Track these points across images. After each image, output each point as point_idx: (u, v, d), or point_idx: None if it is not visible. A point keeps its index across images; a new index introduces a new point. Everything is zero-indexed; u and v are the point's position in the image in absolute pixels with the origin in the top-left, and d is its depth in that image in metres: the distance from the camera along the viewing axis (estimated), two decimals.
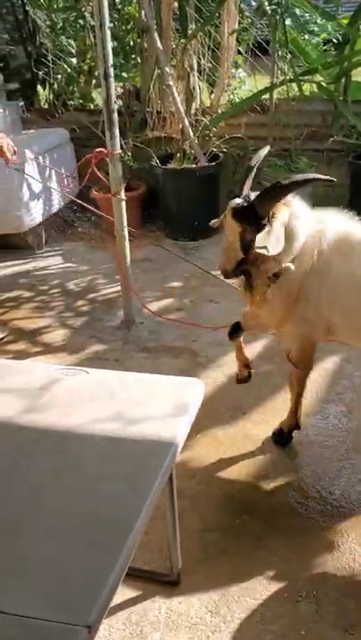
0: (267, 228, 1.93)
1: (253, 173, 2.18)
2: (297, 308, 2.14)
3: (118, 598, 1.84)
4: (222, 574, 1.92)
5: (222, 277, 2.18)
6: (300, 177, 2.01)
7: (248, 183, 2.13)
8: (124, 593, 1.86)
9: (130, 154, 4.63)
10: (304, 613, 1.78)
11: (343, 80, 4.45)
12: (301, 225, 2.03)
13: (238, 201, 2.01)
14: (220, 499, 2.22)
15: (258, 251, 1.90)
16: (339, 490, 2.22)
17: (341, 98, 4.46)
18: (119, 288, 3.46)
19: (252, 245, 1.94)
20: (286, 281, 2.10)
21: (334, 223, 2.09)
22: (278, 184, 1.93)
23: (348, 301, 2.07)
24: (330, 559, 1.96)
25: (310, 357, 2.30)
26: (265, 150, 2.32)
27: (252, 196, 2.00)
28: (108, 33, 2.84)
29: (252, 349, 3.13)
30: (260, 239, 1.91)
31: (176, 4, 4.63)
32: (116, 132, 3.00)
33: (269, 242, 1.90)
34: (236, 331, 2.44)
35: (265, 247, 1.89)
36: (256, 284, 2.11)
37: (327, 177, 2.06)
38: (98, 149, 3.04)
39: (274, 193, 1.95)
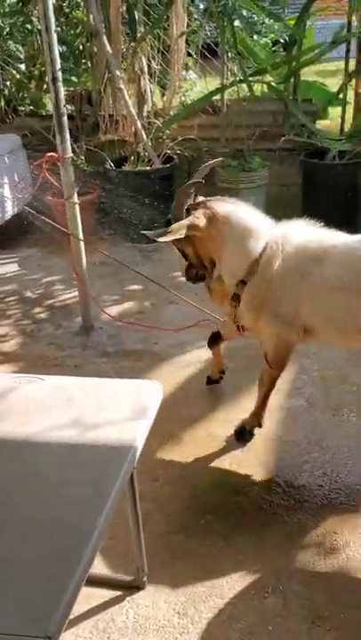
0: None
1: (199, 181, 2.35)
2: (267, 310, 2.20)
3: (84, 606, 1.81)
4: (189, 575, 1.91)
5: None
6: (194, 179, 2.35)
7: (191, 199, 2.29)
8: (89, 601, 1.83)
9: (83, 158, 4.60)
10: (271, 609, 1.79)
11: (292, 80, 4.52)
12: (244, 226, 2.17)
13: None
14: (184, 500, 2.21)
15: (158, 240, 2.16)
16: (302, 484, 2.24)
17: (291, 97, 4.53)
18: (77, 293, 3.42)
19: (187, 252, 2.24)
20: (254, 287, 2.18)
21: (297, 231, 2.18)
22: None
23: (328, 305, 2.14)
24: (295, 553, 1.97)
25: (285, 358, 2.34)
26: (215, 161, 2.42)
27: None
28: (55, 36, 2.81)
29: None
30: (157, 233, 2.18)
31: (124, 8, 4.63)
32: (67, 135, 2.98)
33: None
34: (214, 340, 2.61)
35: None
36: (210, 286, 2.32)
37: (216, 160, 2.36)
38: (49, 154, 3.00)
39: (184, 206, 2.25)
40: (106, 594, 1.87)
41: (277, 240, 2.15)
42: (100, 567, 1.94)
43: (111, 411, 1.64)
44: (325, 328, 2.21)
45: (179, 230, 2.14)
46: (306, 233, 2.19)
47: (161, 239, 2.15)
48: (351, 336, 2.22)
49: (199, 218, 2.18)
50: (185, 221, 2.18)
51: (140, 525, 1.80)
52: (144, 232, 2.30)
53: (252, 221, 2.21)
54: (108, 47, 4.45)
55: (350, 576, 1.88)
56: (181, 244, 2.25)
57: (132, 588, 1.88)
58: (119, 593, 1.87)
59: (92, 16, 4.51)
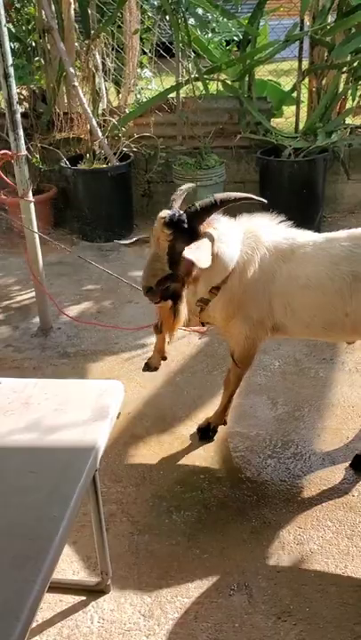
0: (197, 242, 1.95)
1: (180, 200, 2.16)
2: (242, 311, 2.19)
3: (47, 613, 1.78)
4: (154, 576, 1.89)
5: (144, 295, 2.05)
6: (236, 194, 2.03)
7: (177, 204, 2.12)
8: (53, 607, 1.80)
9: (38, 156, 4.52)
10: (237, 606, 1.79)
11: (247, 78, 4.53)
12: (230, 248, 2.09)
13: (169, 212, 1.99)
14: (149, 500, 2.19)
15: (187, 256, 1.89)
16: (266, 480, 2.25)
17: (246, 95, 4.54)
18: (34, 294, 3.36)
19: (182, 258, 1.93)
20: (225, 292, 2.15)
21: (267, 233, 2.16)
22: (214, 199, 1.98)
23: (296, 302, 2.14)
24: (260, 549, 1.97)
25: (252, 357, 2.34)
26: (189, 185, 2.31)
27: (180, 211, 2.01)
28: (5, 31, 2.74)
29: (171, 347, 3.12)
30: (189, 250, 1.91)
31: (77, 5, 4.56)
32: (21, 132, 2.91)
33: (200, 254, 1.91)
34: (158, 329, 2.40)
35: (198, 257, 1.90)
36: (180, 310, 2.06)
37: (260, 198, 2.12)
38: (2, 152, 2.93)
39: (209, 207, 1.98)
40: (70, 599, 1.83)
41: (251, 245, 2.13)
42: (63, 572, 1.90)
43: (72, 412, 1.60)
44: (295, 325, 2.22)
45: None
46: (275, 233, 2.18)
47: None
48: (320, 332, 2.25)
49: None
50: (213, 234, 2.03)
51: (103, 528, 1.77)
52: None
53: (232, 235, 2.12)
54: (62, 44, 4.39)
55: (314, 570, 1.90)
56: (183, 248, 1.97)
57: (96, 592, 1.85)
58: (83, 598, 1.83)
59: (44, 12, 4.43)
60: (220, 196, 1.99)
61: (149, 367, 2.50)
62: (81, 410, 1.61)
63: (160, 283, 1.98)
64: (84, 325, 3.33)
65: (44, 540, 1.21)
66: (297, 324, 2.21)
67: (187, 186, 2.25)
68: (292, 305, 2.15)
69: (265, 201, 2.12)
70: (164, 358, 2.53)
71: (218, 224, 2.09)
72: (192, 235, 1.97)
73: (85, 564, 1.94)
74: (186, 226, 1.96)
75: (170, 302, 2.05)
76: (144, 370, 2.50)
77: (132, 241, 2.29)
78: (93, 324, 3.32)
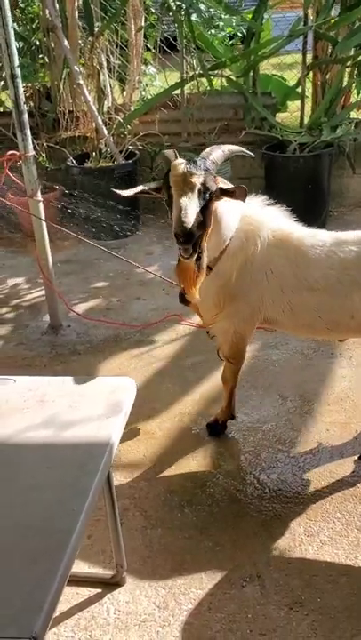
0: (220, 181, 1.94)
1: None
2: (232, 306, 2.18)
3: (65, 606, 1.82)
4: (168, 569, 1.93)
5: (180, 244, 1.86)
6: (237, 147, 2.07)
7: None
8: (70, 600, 1.84)
9: (44, 155, 4.55)
10: (250, 597, 1.82)
11: (251, 73, 4.54)
12: (229, 208, 2.04)
13: (182, 161, 1.88)
14: (161, 494, 2.23)
15: (226, 189, 1.89)
16: (275, 474, 2.28)
17: (251, 91, 4.55)
18: (43, 292, 3.39)
19: (217, 194, 1.87)
20: (217, 276, 2.13)
21: (270, 222, 2.12)
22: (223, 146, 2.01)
23: (299, 302, 2.13)
24: (271, 542, 2.00)
25: (242, 351, 2.35)
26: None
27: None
28: (12, 32, 2.77)
29: (180, 343, 3.16)
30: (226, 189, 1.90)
31: (80, 2, 4.58)
32: (28, 133, 2.94)
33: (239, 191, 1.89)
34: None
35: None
36: (203, 261, 1.98)
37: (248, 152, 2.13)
38: (10, 152, 2.96)
39: (219, 153, 1.98)
40: (86, 592, 1.87)
41: (248, 232, 2.08)
42: (79, 565, 1.94)
43: (86, 408, 1.63)
44: (292, 324, 2.23)
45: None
46: (278, 225, 2.13)
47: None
48: (323, 331, 2.26)
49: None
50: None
51: (118, 523, 1.81)
52: None
53: (230, 207, 2.05)
54: (66, 42, 4.41)
55: (325, 561, 1.93)
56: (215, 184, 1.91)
57: (112, 584, 1.89)
58: (99, 590, 1.87)
59: (47, 11, 4.45)
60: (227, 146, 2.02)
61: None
62: (95, 406, 1.64)
63: (197, 230, 1.85)
64: (93, 323, 3.37)
65: (64, 534, 1.25)
66: (296, 323, 2.22)
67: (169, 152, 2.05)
68: (294, 305, 2.14)
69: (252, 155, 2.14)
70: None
71: (219, 182, 1.99)
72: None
73: (101, 557, 1.98)
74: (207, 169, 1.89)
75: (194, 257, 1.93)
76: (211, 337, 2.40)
77: (132, 192, 2.08)
78: (102, 322, 3.35)
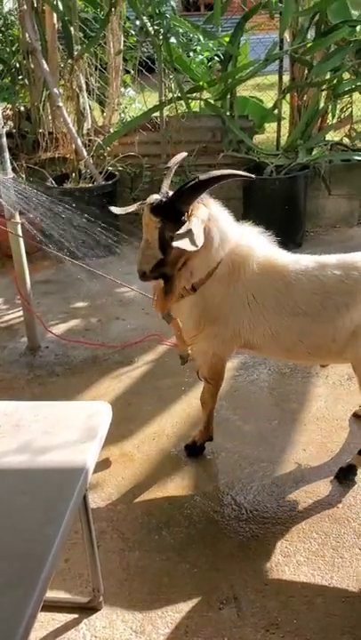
0: (186, 225, 1.91)
1: (172, 173, 2.19)
2: (212, 328, 2.20)
3: (40, 632, 1.80)
4: (145, 592, 1.93)
5: (140, 279, 2.08)
6: (219, 172, 1.99)
7: (166, 182, 2.13)
8: (45, 626, 1.82)
9: (23, 176, 4.57)
10: (226, 619, 1.82)
11: (229, 96, 4.63)
12: (222, 231, 2.06)
13: (157, 197, 1.98)
14: (139, 517, 2.23)
15: (176, 245, 1.86)
16: (252, 495, 2.29)
17: (228, 114, 4.63)
18: (21, 313, 3.39)
19: (171, 244, 1.90)
20: (202, 299, 2.14)
21: (258, 252, 2.13)
22: (198, 179, 1.95)
23: (281, 327, 2.15)
24: (248, 563, 2.01)
25: (221, 372, 2.37)
26: (182, 155, 2.34)
27: (170, 193, 2.00)
28: None
29: (159, 364, 3.18)
30: (179, 235, 1.87)
31: (60, 26, 4.64)
32: (6, 156, 2.96)
33: (189, 238, 1.87)
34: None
35: (188, 241, 1.86)
36: (174, 288, 2.09)
37: (245, 173, 2.14)
38: None
39: (194, 188, 1.95)
40: (62, 617, 1.86)
41: (242, 254, 2.10)
42: (56, 590, 1.93)
43: (61, 434, 1.64)
44: (273, 348, 2.26)
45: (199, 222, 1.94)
46: (268, 250, 2.15)
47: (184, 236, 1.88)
48: (303, 356, 2.28)
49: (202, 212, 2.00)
50: (204, 212, 1.98)
51: (94, 546, 1.81)
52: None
53: (229, 227, 2.10)
54: (45, 65, 4.46)
55: (301, 581, 1.94)
56: (174, 233, 1.93)
57: (88, 609, 1.88)
58: (76, 615, 1.86)
59: (27, 34, 4.50)
60: (203, 175, 1.96)
61: (183, 359, 2.39)
62: (70, 431, 1.65)
63: (154, 269, 2.02)
64: (71, 344, 3.37)
65: (38, 560, 1.25)
66: (277, 348, 2.23)
67: (178, 158, 2.17)
68: (275, 329, 2.16)
69: (253, 176, 2.13)
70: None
71: (211, 205, 2.04)
72: (180, 217, 1.94)
73: (78, 581, 1.97)
74: (173, 210, 1.94)
75: (162, 281, 2.09)
76: (182, 364, 2.41)
77: (126, 211, 2.20)
78: (80, 343, 3.36)
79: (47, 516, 1.37)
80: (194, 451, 2.49)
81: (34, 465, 1.54)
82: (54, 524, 1.35)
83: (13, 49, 4.96)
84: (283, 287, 2.11)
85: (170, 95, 4.68)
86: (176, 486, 2.35)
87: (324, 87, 4.53)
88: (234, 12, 5.19)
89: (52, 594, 1.90)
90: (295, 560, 2.02)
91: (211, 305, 2.16)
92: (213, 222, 2.04)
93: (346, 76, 4.61)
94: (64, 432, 1.65)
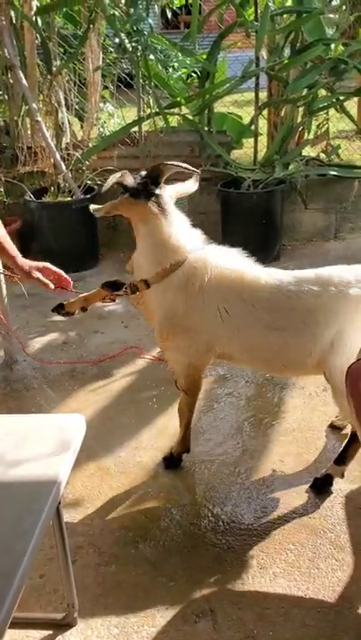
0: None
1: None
2: (184, 340, 2.21)
3: None
4: (121, 607, 1.91)
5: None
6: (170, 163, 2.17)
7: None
8: None
9: (2, 190, 4.57)
10: (202, 633, 1.81)
11: (206, 112, 4.69)
12: (175, 231, 2.13)
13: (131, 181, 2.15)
14: (115, 530, 2.21)
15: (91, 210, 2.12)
16: (229, 506, 2.29)
17: (206, 129, 4.68)
18: None
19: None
20: (158, 305, 2.18)
21: (218, 263, 2.15)
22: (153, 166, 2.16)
23: (251, 340, 2.17)
24: (224, 575, 2.01)
25: (198, 383, 2.38)
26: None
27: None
28: None
29: (137, 376, 3.18)
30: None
31: (39, 41, 4.68)
32: None
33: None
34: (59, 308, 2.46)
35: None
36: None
37: (192, 168, 2.22)
38: None
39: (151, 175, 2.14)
40: (37, 634, 1.83)
41: (202, 263, 2.12)
42: (30, 607, 1.91)
43: (33, 447, 1.63)
44: (249, 360, 2.28)
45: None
46: (232, 265, 2.16)
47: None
48: (279, 369, 2.32)
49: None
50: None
51: (69, 561, 1.79)
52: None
53: (179, 231, 2.16)
54: (24, 81, 4.48)
55: (277, 593, 1.94)
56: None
57: (63, 625, 1.85)
58: (50, 632, 1.84)
59: (6, 50, 4.52)
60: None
61: (60, 311, 2.44)
62: (43, 444, 1.64)
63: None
64: (48, 357, 3.36)
65: (6, 576, 1.24)
66: (253, 360, 2.26)
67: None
68: (251, 343, 2.17)
69: (198, 172, 2.24)
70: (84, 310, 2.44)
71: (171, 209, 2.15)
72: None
73: (53, 597, 1.95)
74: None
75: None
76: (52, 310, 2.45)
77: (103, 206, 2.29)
78: (54, 364, 3.32)
79: (17, 531, 1.36)
80: (172, 462, 2.49)
81: (4, 478, 1.53)
82: (24, 538, 1.34)
83: None
84: (258, 302, 2.12)
85: (148, 110, 4.73)
86: (153, 499, 2.35)
87: (299, 104, 4.60)
88: (211, 30, 5.27)
89: (27, 609, 1.87)
90: (272, 571, 2.02)
91: (173, 314, 2.17)
92: (167, 217, 2.12)
93: (321, 93, 4.70)
94: (36, 445, 1.64)
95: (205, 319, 2.16)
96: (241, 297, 2.13)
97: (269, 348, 2.17)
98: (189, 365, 2.29)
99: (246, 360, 2.28)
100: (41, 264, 2.09)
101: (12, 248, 2.07)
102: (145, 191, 2.14)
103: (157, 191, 2.14)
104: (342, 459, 2.29)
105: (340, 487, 2.33)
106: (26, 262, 2.04)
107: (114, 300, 2.31)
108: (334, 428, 2.66)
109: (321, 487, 2.32)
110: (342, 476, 2.30)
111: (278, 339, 2.13)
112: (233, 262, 2.18)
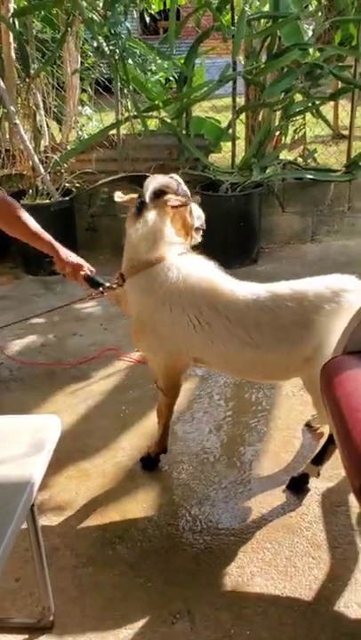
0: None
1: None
2: (155, 341, 2.22)
3: None
4: (98, 609, 1.90)
5: None
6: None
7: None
8: None
9: None
10: (179, 634, 1.81)
11: (184, 115, 4.70)
12: (159, 232, 2.16)
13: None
14: (92, 532, 2.20)
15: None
16: (207, 506, 2.29)
17: (184, 132, 4.70)
18: None
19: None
20: (131, 302, 2.21)
21: (190, 272, 2.16)
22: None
23: (226, 352, 2.16)
24: (202, 575, 2.01)
25: (177, 385, 2.38)
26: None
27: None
28: None
29: (116, 378, 3.17)
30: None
31: (16, 45, 4.66)
32: None
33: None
34: None
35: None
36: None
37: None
38: None
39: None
40: (12, 639, 1.81)
41: (174, 268, 2.13)
42: (5, 611, 1.89)
43: (7, 448, 1.62)
44: (227, 369, 2.31)
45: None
46: (207, 276, 2.17)
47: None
48: (258, 376, 2.34)
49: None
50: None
51: (44, 563, 1.78)
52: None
53: (162, 232, 2.19)
54: (2, 83, 4.46)
55: (255, 592, 1.94)
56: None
57: (39, 629, 1.84)
58: (25, 636, 1.82)
59: None
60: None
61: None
62: (17, 445, 1.63)
63: None
64: (27, 359, 3.34)
65: None
66: (228, 369, 2.30)
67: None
68: (226, 355, 2.17)
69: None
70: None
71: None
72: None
73: (29, 600, 1.93)
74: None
75: None
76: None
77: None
78: (33, 364, 3.30)
79: None
80: (149, 463, 2.49)
81: None
82: None
83: None
84: (232, 315, 2.11)
85: (126, 114, 4.73)
86: (131, 500, 2.34)
87: (276, 108, 4.65)
88: (189, 35, 5.30)
89: (1, 614, 1.86)
90: (249, 571, 2.02)
91: (142, 313, 2.20)
92: (159, 219, 2.16)
93: (298, 97, 4.74)
94: (10, 446, 1.62)
95: (178, 327, 2.15)
96: (215, 308, 2.13)
97: (245, 361, 2.18)
98: (166, 367, 2.29)
99: (223, 368, 2.30)
100: (76, 260, 2.19)
101: (50, 239, 2.17)
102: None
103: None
104: (320, 459, 2.30)
105: (317, 485, 2.34)
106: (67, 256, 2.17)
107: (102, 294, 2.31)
108: (311, 427, 2.68)
109: (298, 486, 2.34)
110: (318, 475, 2.32)
111: (253, 354, 2.13)
112: (208, 273, 2.19)
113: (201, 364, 2.35)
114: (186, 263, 2.18)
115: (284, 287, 2.15)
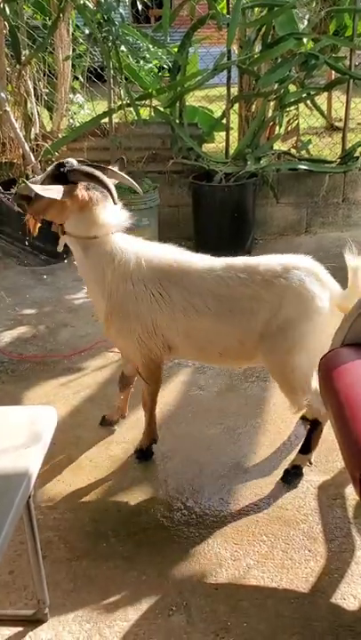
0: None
1: None
2: (124, 325, 2.25)
3: None
4: (93, 602, 1.88)
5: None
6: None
7: None
8: None
9: None
10: (176, 626, 1.80)
11: (178, 104, 4.65)
12: (104, 210, 2.20)
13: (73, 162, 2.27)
14: (86, 525, 2.18)
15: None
16: (202, 499, 2.28)
17: (177, 121, 4.65)
18: None
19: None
20: (91, 277, 2.27)
21: (154, 250, 2.24)
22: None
23: (188, 326, 2.20)
24: (197, 568, 1.99)
25: (157, 374, 2.39)
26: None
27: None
28: None
29: (108, 370, 3.14)
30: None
31: (7, 31, 4.57)
32: None
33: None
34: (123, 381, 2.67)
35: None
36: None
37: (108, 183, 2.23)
38: None
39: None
40: (6, 631, 1.79)
41: (128, 247, 2.20)
42: (0, 604, 1.86)
43: (3, 439, 1.59)
44: (188, 348, 2.31)
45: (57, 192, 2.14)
46: (163, 253, 2.25)
47: (39, 191, 2.13)
48: (216, 357, 2.34)
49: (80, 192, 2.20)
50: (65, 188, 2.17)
51: (39, 556, 1.75)
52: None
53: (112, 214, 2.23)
54: None
55: (251, 585, 1.93)
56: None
57: (34, 622, 1.82)
58: (20, 629, 1.80)
59: None
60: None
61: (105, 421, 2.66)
62: (14, 436, 1.60)
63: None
64: (18, 351, 3.30)
65: None
66: (190, 348, 2.29)
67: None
68: (187, 328, 2.21)
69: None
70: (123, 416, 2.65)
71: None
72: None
73: (23, 593, 1.91)
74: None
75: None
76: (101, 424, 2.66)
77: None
78: (23, 358, 3.26)
79: None
80: (143, 455, 2.47)
81: None
82: None
83: None
84: (189, 286, 2.17)
85: (119, 102, 4.67)
86: (125, 492, 2.32)
87: (270, 98, 4.61)
88: (182, 23, 5.23)
89: None
90: (245, 563, 2.01)
91: (107, 291, 2.23)
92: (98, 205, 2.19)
93: (292, 88, 4.71)
94: (6, 437, 1.59)
95: (141, 301, 2.20)
96: (175, 282, 2.18)
97: (203, 333, 2.21)
98: (141, 355, 2.30)
99: (186, 348, 2.30)
100: None
101: None
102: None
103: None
104: (307, 447, 2.33)
105: (313, 478, 2.34)
106: None
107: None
108: (306, 419, 2.67)
109: (292, 478, 2.33)
110: (310, 463, 2.32)
111: (209, 324, 2.18)
112: (165, 247, 2.27)
113: (173, 354, 2.36)
114: (133, 242, 2.26)
115: (238, 260, 2.22)
